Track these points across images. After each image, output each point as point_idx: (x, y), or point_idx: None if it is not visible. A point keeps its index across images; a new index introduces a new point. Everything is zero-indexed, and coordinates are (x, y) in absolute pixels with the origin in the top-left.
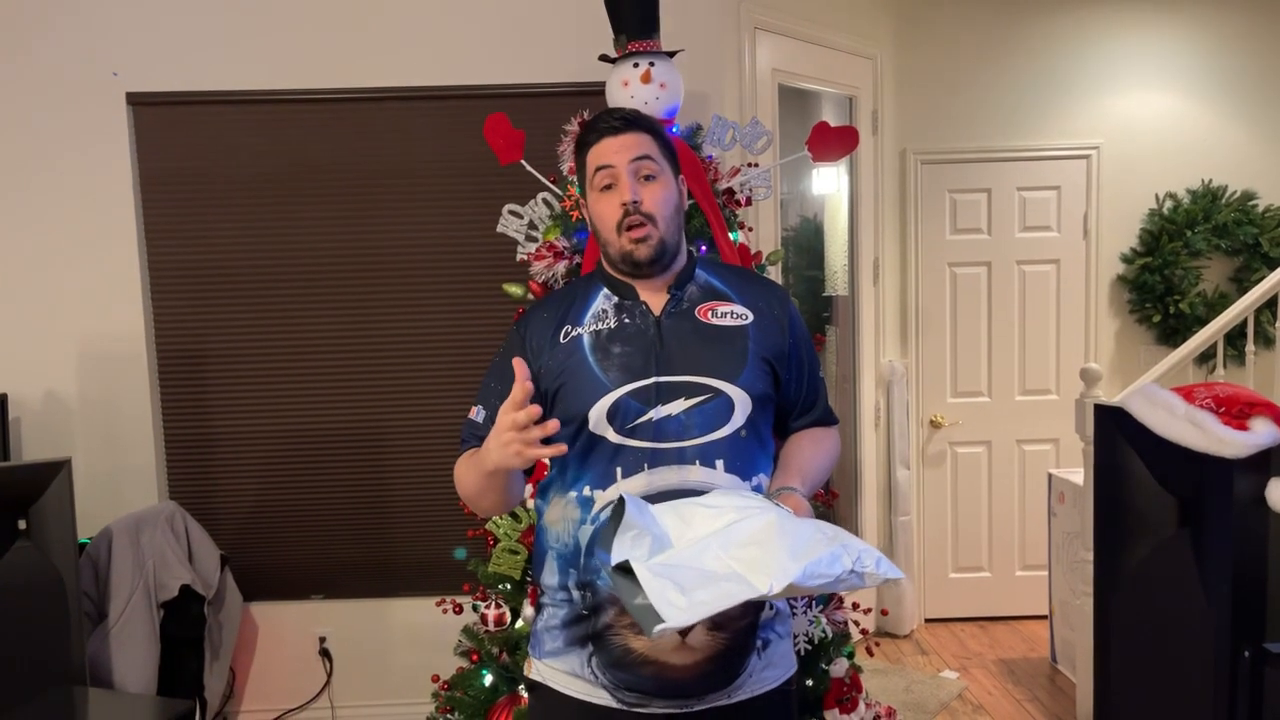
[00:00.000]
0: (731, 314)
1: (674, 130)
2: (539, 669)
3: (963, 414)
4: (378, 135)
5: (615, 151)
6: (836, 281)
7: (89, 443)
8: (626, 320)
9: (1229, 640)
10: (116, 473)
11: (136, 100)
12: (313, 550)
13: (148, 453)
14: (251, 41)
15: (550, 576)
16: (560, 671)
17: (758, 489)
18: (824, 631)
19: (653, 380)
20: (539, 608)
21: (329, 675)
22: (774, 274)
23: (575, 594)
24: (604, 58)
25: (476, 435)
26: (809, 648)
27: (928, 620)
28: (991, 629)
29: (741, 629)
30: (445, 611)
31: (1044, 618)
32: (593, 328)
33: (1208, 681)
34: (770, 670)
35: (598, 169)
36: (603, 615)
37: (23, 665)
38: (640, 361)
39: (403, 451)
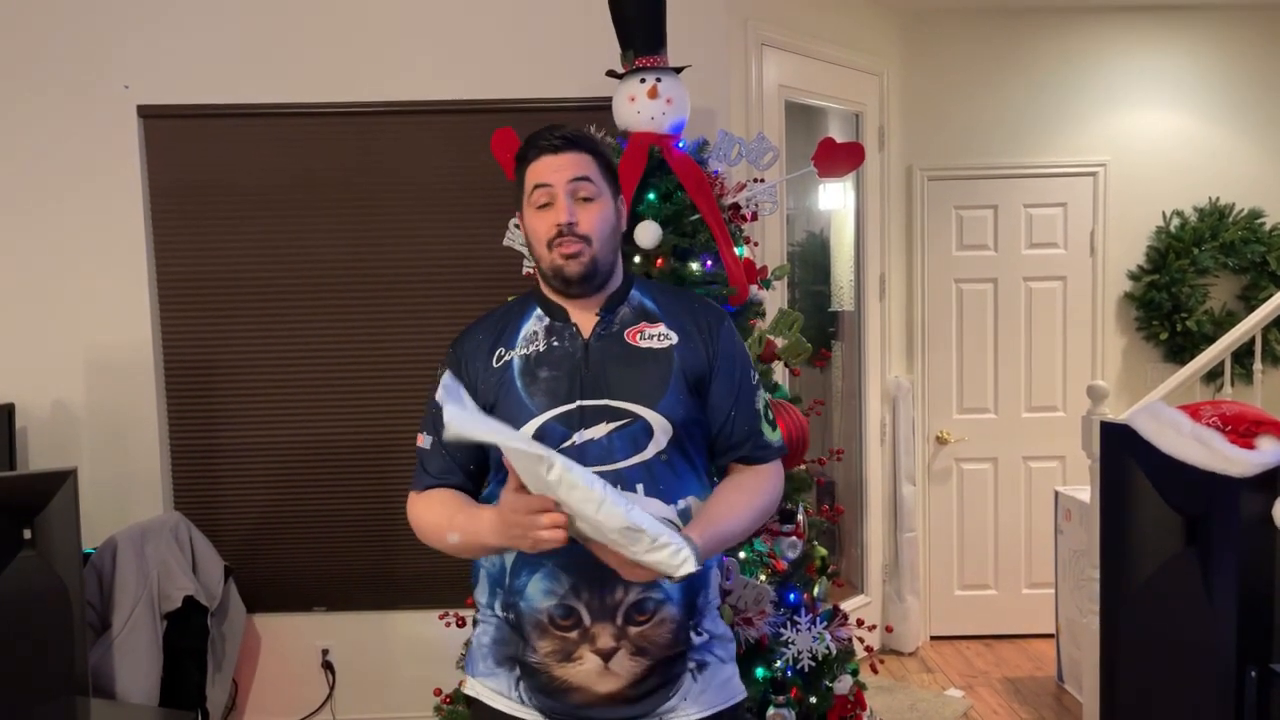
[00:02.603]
0: (659, 336)
1: (680, 145)
2: (473, 685)
3: (969, 430)
4: (386, 149)
5: (554, 170)
6: (842, 297)
7: (95, 452)
8: (555, 343)
9: (1235, 660)
10: (122, 483)
11: (147, 113)
12: (316, 562)
13: (153, 463)
14: (261, 55)
15: (481, 593)
16: (491, 690)
17: (685, 513)
18: (828, 648)
19: (576, 405)
20: (475, 624)
21: (331, 687)
22: (780, 289)
23: (501, 614)
24: (611, 73)
25: (426, 467)
26: (813, 664)
27: (933, 637)
28: (997, 647)
29: (669, 657)
30: (448, 625)
31: (1050, 636)
32: (523, 351)
33: (1214, 701)
34: (710, 694)
35: (535, 186)
36: (524, 638)
37: (25, 675)
38: (565, 386)
39: (407, 465)
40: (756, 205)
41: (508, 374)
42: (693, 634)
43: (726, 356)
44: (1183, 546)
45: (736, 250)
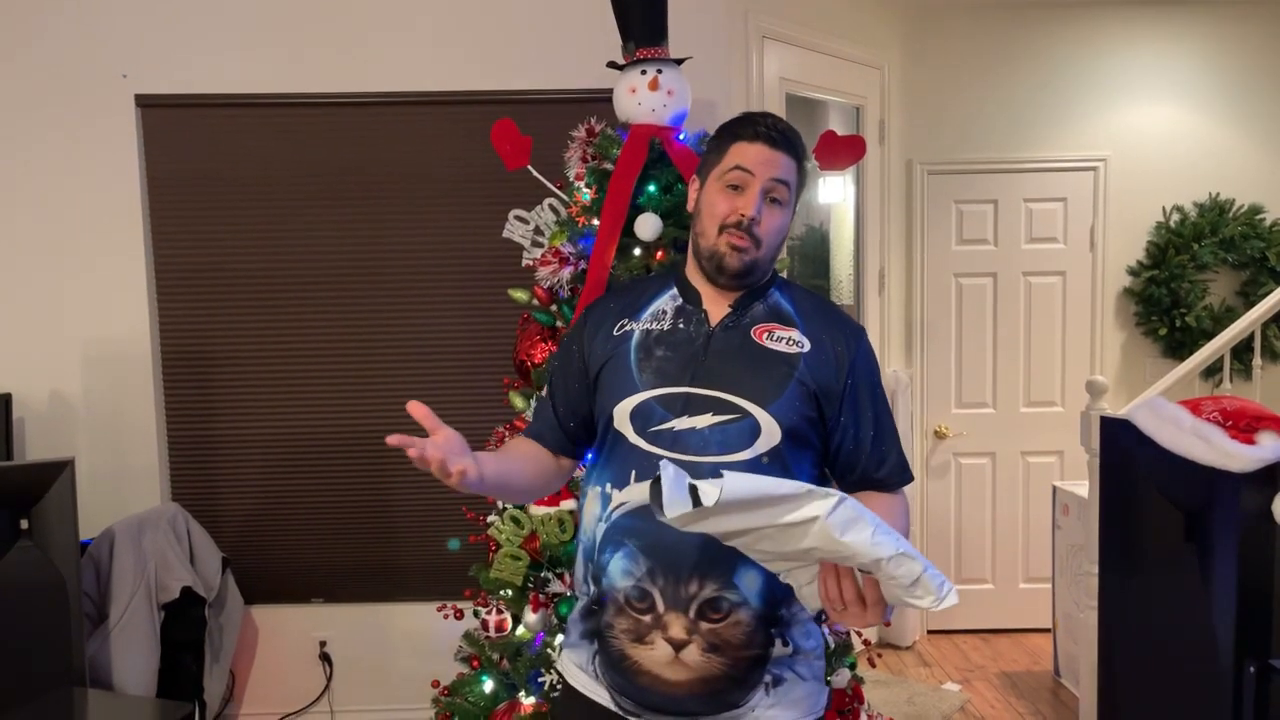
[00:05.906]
0: (789, 340)
1: (681, 137)
2: (562, 658)
3: (967, 425)
4: (385, 140)
5: (763, 162)
6: (842, 291)
7: (92, 443)
8: (680, 325)
9: (1234, 655)
10: (119, 474)
11: (145, 102)
12: (314, 554)
13: (151, 454)
14: (260, 44)
15: (578, 567)
16: (572, 663)
17: None
18: (826, 642)
19: (684, 390)
20: (576, 597)
21: (329, 679)
22: None
23: (590, 587)
24: (612, 64)
25: (536, 416)
26: None
27: (930, 632)
28: (994, 641)
29: (743, 659)
30: (446, 617)
31: (1047, 631)
32: (646, 326)
33: (1212, 697)
34: (780, 710)
35: (736, 167)
36: (605, 614)
37: (22, 666)
38: (676, 369)
39: (406, 457)
40: None
41: (624, 345)
42: (778, 643)
43: (865, 375)
44: (1182, 542)
45: None
